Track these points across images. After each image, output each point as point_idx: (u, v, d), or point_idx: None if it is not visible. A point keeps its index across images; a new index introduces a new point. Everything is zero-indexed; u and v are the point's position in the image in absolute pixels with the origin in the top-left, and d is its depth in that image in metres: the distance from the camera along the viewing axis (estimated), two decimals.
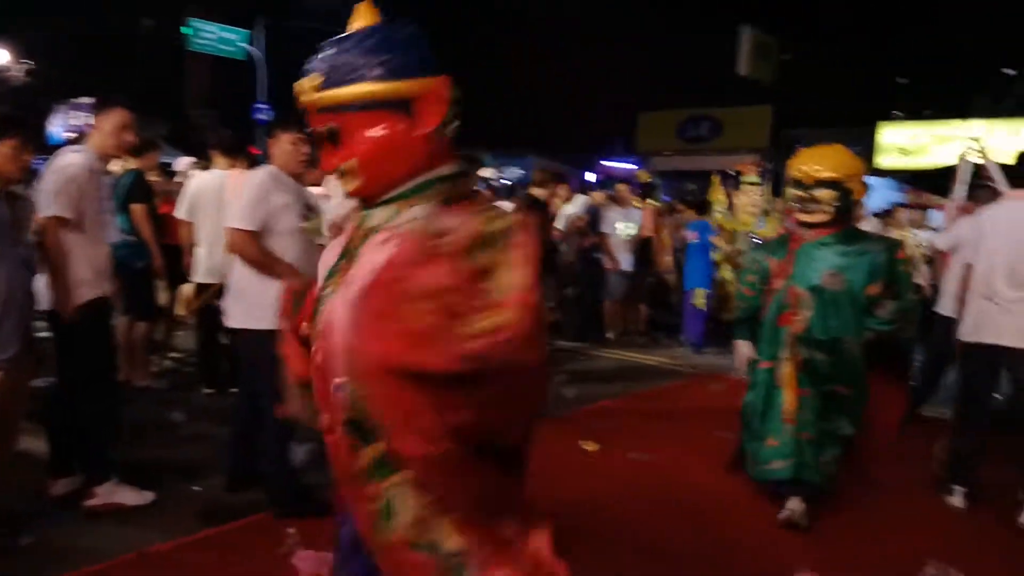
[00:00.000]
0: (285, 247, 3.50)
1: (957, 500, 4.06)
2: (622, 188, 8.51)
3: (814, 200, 3.58)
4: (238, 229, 3.46)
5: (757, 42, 17.69)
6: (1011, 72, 17.09)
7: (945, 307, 5.24)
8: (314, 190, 4.67)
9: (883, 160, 15.46)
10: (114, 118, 3.61)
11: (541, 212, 7.34)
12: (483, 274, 1.38)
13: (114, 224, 3.70)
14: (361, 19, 1.58)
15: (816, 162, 3.58)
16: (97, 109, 3.66)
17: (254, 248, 3.45)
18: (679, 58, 22.07)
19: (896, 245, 3.73)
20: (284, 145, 3.59)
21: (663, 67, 23.18)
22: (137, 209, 5.20)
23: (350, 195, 1.60)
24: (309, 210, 3.65)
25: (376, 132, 1.51)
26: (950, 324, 5.05)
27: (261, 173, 3.62)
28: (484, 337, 1.32)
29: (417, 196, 1.54)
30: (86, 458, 3.67)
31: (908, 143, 16.66)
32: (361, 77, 1.49)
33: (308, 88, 1.54)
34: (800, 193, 3.62)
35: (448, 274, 1.36)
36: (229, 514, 3.58)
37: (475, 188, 1.82)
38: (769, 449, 3.68)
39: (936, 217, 7.64)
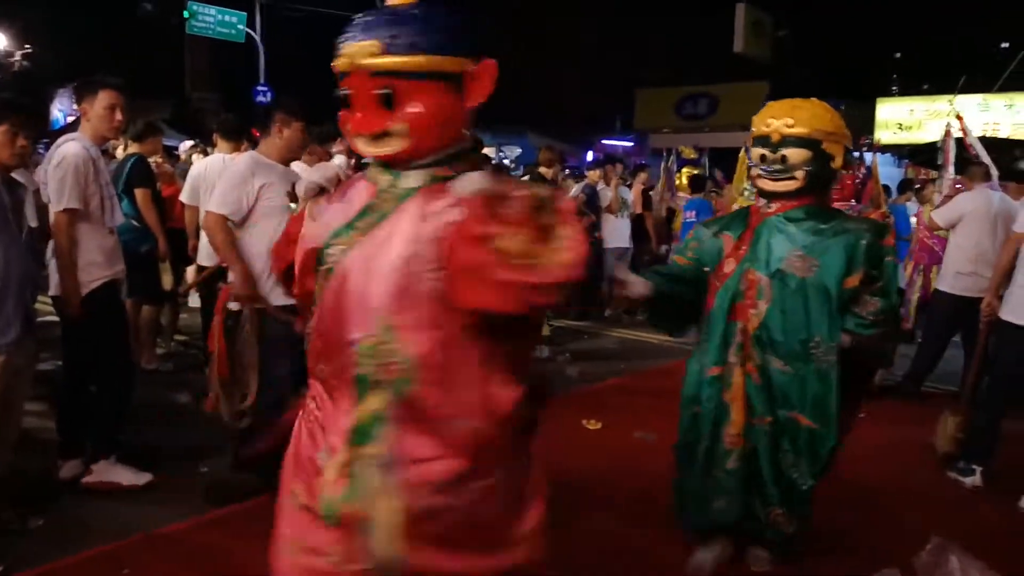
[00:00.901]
0: (273, 227, 3.53)
1: (976, 479, 4.00)
2: (611, 167, 8.52)
3: (782, 162, 2.75)
4: (210, 211, 3.56)
5: (753, 19, 17.57)
6: (1006, 45, 16.99)
7: (944, 283, 5.22)
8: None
9: (881, 136, 15.42)
10: (102, 100, 3.61)
11: None
12: (547, 230, 1.51)
13: (118, 207, 3.71)
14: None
15: (787, 114, 2.75)
16: (82, 94, 3.66)
17: (221, 234, 3.53)
18: (676, 35, 21.95)
19: (883, 229, 2.93)
20: (295, 133, 3.65)
21: (660, 44, 23.06)
22: (140, 193, 5.20)
23: (384, 158, 1.68)
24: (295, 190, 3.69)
25: (430, 100, 1.61)
26: (952, 300, 5.02)
27: (242, 159, 3.68)
28: (561, 271, 1.48)
29: (451, 164, 1.66)
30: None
31: (905, 118, 16.59)
32: (424, 49, 1.59)
33: (363, 53, 1.62)
34: (765, 152, 2.79)
35: (524, 230, 1.49)
36: (237, 495, 3.60)
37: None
38: (714, 484, 2.86)
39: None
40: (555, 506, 3.55)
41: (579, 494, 3.79)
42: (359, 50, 1.62)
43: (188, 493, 3.67)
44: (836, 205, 3.87)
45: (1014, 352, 3.92)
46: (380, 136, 1.64)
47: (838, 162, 2.75)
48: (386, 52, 1.60)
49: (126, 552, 3.11)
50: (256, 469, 3.72)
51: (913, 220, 7.39)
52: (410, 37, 1.60)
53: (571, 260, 1.48)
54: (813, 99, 2.83)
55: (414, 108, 1.60)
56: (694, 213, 7.96)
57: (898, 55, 23.36)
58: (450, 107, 1.64)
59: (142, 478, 3.69)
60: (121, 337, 3.76)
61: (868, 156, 6.15)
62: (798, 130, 2.71)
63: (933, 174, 7.78)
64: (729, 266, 2.88)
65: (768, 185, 2.81)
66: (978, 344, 4.49)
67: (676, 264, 3.10)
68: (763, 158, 2.80)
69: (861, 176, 5.22)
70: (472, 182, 1.59)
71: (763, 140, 2.81)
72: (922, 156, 10.38)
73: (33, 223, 3.36)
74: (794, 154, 2.74)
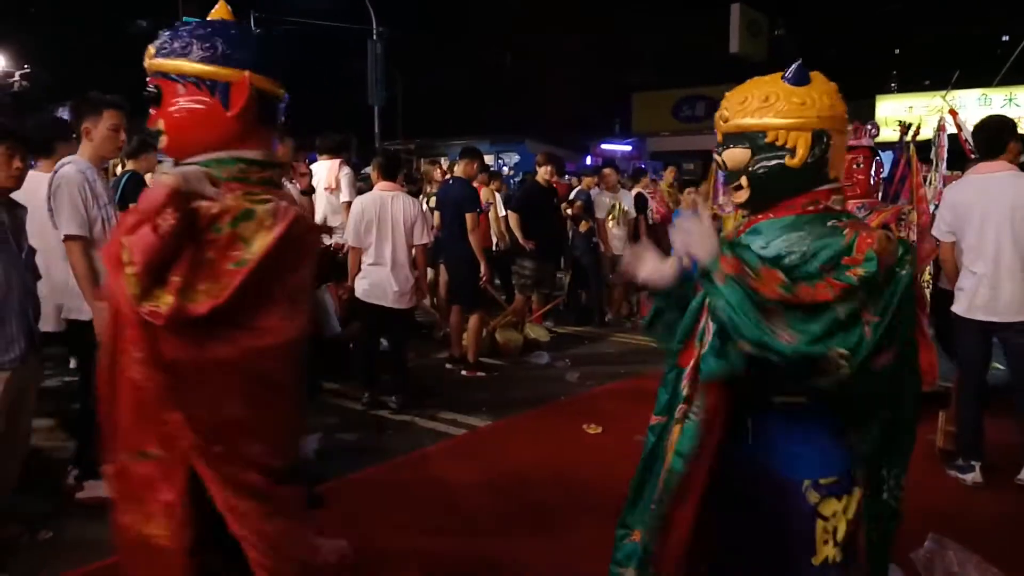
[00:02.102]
0: None
1: (976, 475, 4.00)
2: (608, 172, 8.54)
3: (725, 168, 2.00)
4: None
5: (748, 19, 17.62)
6: (1006, 38, 17.02)
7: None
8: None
9: (884, 133, 15.41)
10: (107, 120, 3.61)
11: (547, 197, 7.44)
12: (237, 240, 1.76)
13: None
14: (217, 14, 1.98)
15: (725, 105, 1.98)
16: (83, 113, 3.64)
17: None
18: (671, 38, 22.03)
19: (852, 242, 1.89)
20: (287, 149, 3.72)
21: (655, 47, 23.14)
22: None
23: (164, 151, 1.96)
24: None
25: (185, 102, 1.86)
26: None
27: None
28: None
29: (217, 166, 1.87)
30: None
31: (905, 115, 16.63)
32: (185, 55, 1.86)
33: (146, 55, 1.92)
34: (718, 158, 2.03)
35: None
36: None
37: (280, 180, 2.13)
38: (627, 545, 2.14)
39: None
40: (555, 511, 3.64)
41: (579, 499, 3.82)
42: (146, 53, 1.92)
43: None
44: (850, 205, 3.74)
45: (965, 343, 4.11)
46: (158, 132, 1.92)
47: (799, 154, 1.83)
48: (156, 55, 1.89)
49: None
50: None
51: None
52: (181, 43, 1.86)
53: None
54: (770, 76, 1.97)
55: (171, 108, 1.86)
56: None
57: (897, 51, 23.38)
58: (207, 112, 1.86)
59: None
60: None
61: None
62: (733, 123, 1.93)
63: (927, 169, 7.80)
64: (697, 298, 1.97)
65: (731, 197, 2.07)
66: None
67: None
68: (717, 163, 2.07)
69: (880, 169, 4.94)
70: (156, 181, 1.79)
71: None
72: (922, 153, 10.40)
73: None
74: (731, 156, 1.94)
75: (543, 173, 7.33)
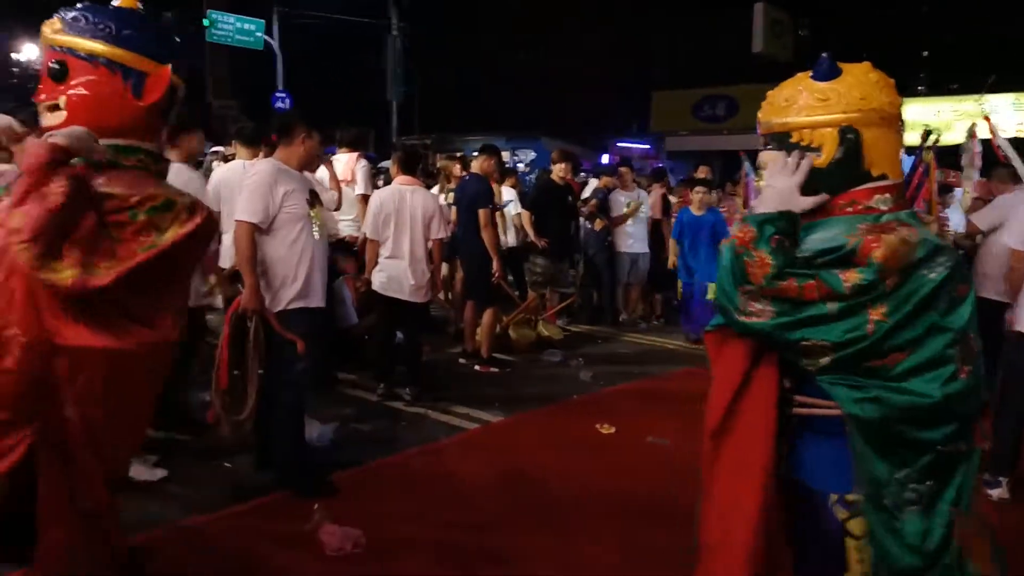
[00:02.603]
0: (294, 233, 3.67)
1: (1002, 491, 3.97)
2: (625, 171, 8.53)
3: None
4: (240, 220, 3.64)
5: (772, 18, 17.47)
6: None
7: (988, 290, 4.77)
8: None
9: (907, 137, 15.22)
10: None
11: (562, 195, 7.46)
12: (151, 227, 1.83)
13: None
14: (123, 1, 2.01)
15: (767, 101, 1.92)
16: None
17: (246, 243, 3.60)
18: (694, 36, 21.91)
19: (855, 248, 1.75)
20: (315, 144, 3.81)
21: (677, 46, 23.02)
22: None
23: (49, 129, 1.92)
24: (314, 198, 3.82)
25: (95, 84, 1.87)
26: (995, 307, 4.61)
27: (263, 165, 3.80)
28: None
29: (118, 154, 1.92)
30: None
31: (932, 119, 16.47)
32: (105, 37, 1.87)
33: (48, 28, 1.92)
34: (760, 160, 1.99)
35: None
36: (258, 490, 3.73)
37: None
38: None
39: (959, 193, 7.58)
40: (565, 508, 3.67)
41: (590, 498, 3.85)
42: (47, 25, 1.92)
43: (213, 488, 3.78)
44: None
45: (1016, 359, 4.00)
46: (52, 108, 1.90)
47: (825, 153, 1.75)
48: (65, 31, 1.89)
49: (153, 544, 3.22)
50: (279, 466, 3.84)
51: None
52: (99, 24, 1.88)
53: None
54: (802, 73, 1.88)
55: (77, 86, 1.87)
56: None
57: (926, 53, 23.08)
58: (115, 97, 1.88)
59: (156, 474, 3.78)
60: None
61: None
62: (764, 124, 1.90)
63: (959, 176, 7.71)
64: None
65: None
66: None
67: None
68: (747, 155, 2.28)
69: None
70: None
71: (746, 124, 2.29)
72: (950, 158, 10.29)
73: None
74: (766, 158, 1.90)
75: (558, 171, 7.35)
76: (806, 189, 1.78)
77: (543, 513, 3.68)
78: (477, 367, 6.29)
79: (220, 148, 7.50)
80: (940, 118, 16.26)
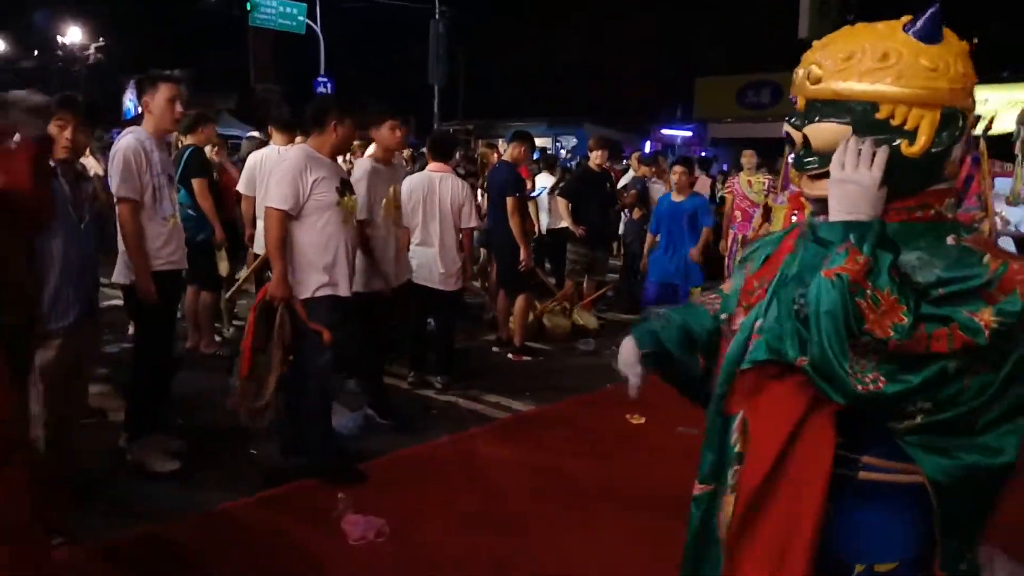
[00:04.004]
0: (323, 221, 3.65)
1: None
2: (663, 160, 8.39)
3: (805, 147, 1.44)
4: (270, 207, 3.65)
5: (819, 2, 16.99)
6: None
7: None
8: None
9: None
10: (163, 93, 3.76)
11: (599, 182, 7.35)
12: None
13: (167, 198, 3.84)
14: None
15: (813, 58, 1.42)
16: (143, 88, 3.80)
17: (276, 230, 3.61)
18: (738, 21, 21.48)
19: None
20: (348, 131, 3.77)
21: (722, 31, 22.60)
22: (197, 183, 5.39)
23: None
24: (344, 186, 3.79)
25: None
26: None
27: (294, 152, 3.78)
28: None
29: None
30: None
31: (980, 108, 15.89)
32: None
33: None
34: (790, 130, 1.48)
35: None
36: (284, 477, 3.75)
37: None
38: None
39: (1001, 185, 7.30)
40: (593, 500, 3.62)
41: (618, 489, 3.79)
42: None
43: (239, 474, 3.81)
44: None
45: None
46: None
47: (921, 140, 1.32)
48: None
49: (180, 529, 3.26)
50: (304, 453, 3.86)
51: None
52: None
53: None
54: (884, 24, 1.40)
55: None
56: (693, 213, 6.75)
57: (976, 40, 22.34)
58: None
59: (170, 465, 3.79)
60: (164, 324, 3.91)
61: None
62: (827, 87, 1.37)
63: (1009, 167, 7.42)
64: (740, 319, 1.53)
65: (806, 187, 1.46)
66: None
67: (697, 309, 1.77)
68: (789, 139, 1.49)
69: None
70: None
71: (793, 111, 1.50)
72: (998, 148, 9.92)
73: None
74: (820, 132, 1.39)
75: (595, 158, 7.24)
76: (888, 185, 1.32)
77: (570, 505, 3.63)
78: (510, 355, 6.25)
79: (256, 133, 7.55)
80: (989, 106, 15.68)
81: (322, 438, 3.79)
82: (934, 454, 1.29)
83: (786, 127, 1.47)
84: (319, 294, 3.66)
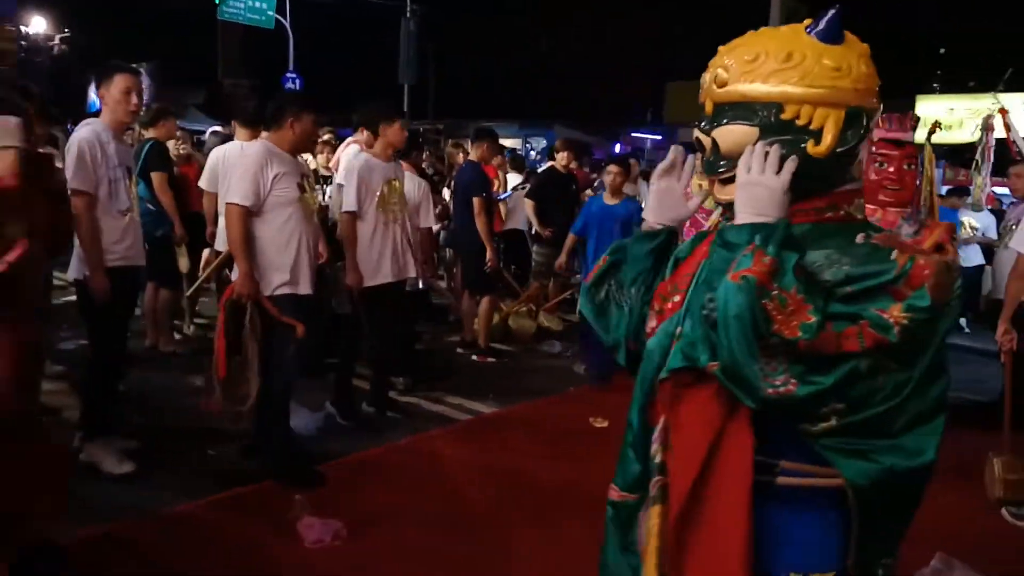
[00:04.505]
0: (283, 217, 3.61)
1: None
2: (632, 163, 8.42)
3: (715, 152, 1.43)
4: (231, 203, 3.59)
5: (788, 10, 17.20)
6: None
7: None
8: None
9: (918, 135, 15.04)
10: (118, 84, 3.68)
11: (565, 184, 7.36)
12: None
13: (123, 192, 3.75)
14: None
15: (721, 61, 1.42)
16: (100, 80, 3.73)
17: (239, 227, 3.55)
18: (710, 27, 21.69)
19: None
20: (307, 126, 3.70)
21: (693, 36, 22.80)
22: (156, 177, 5.29)
23: None
24: (306, 181, 3.76)
25: None
26: None
27: (255, 147, 3.74)
28: None
29: None
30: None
31: (945, 117, 16.25)
32: None
33: None
34: (699, 134, 1.46)
35: None
36: (242, 479, 3.69)
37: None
38: None
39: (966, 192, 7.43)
40: (552, 503, 3.61)
41: (578, 492, 3.77)
42: None
43: (195, 476, 3.74)
44: (890, 212, 3.28)
45: None
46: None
47: (827, 140, 1.32)
48: None
49: (132, 532, 3.19)
50: (263, 454, 3.80)
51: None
52: None
53: None
54: (788, 27, 1.41)
55: None
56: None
57: (943, 51, 22.80)
58: None
59: (123, 467, 3.69)
60: (117, 322, 3.82)
61: None
62: (734, 89, 1.37)
63: (971, 174, 7.52)
64: (652, 323, 1.51)
65: (717, 192, 1.46)
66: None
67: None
68: (700, 145, 1.48)
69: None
70: None
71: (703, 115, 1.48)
72: (961, 156, 10.13)
73: None
74: (727, 135, 1.39)
75: (561, 160, 7.25)
76: (795, 186, 1.31)
77: (531, 508, 3.62)
78: (475, 357, 6.23)
79: (220, 128, 7.45)
80: (953, 116, 16.03)
81: (278, 439, 3.74)
82: (852, 457, 1.26)
83: (696, 133, 1.46)
84: (279, 292, 3.61)
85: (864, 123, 1.34)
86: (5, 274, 2.05)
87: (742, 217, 1.29)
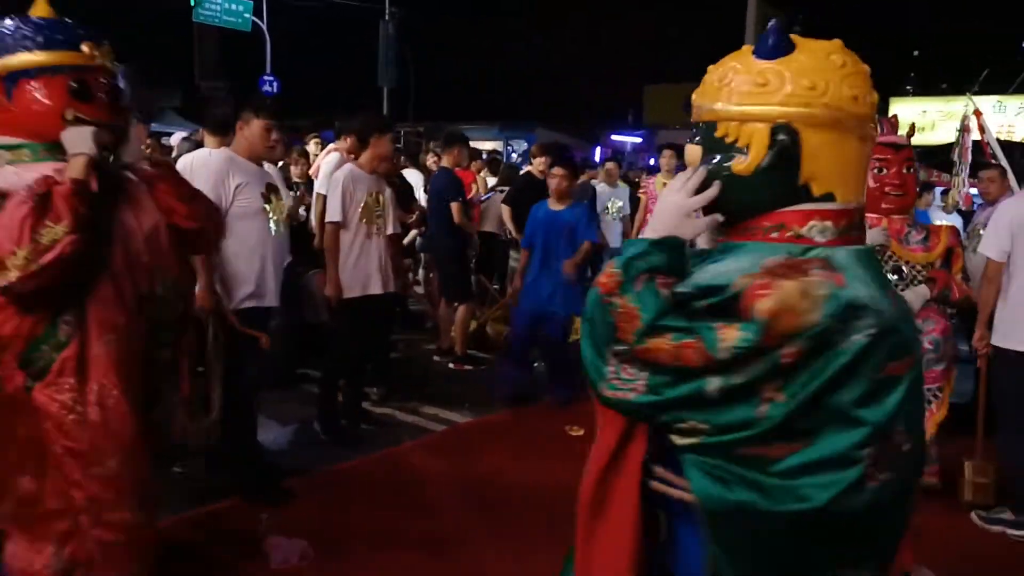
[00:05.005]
0: (247, 229, 3.52)
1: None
2: (611, 166, 8.40)
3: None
4: None
5: (764, 13, 17.32)
6: None
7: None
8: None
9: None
10: None
11: (542, 189, 7.31)
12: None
13: None
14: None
15: (704, 80, 1.44)
16: None
17: None
18: (686, 30, 21.80)
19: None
20: (254, 130, 3.58)
21: (670, 39, 22.91)
22: None
23: None
24: (271, 191, 3.67)
25: None
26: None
27: (216, 156, 3.63)
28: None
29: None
30: None
31: (918, 119, 16.41)
32: None
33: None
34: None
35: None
36: (208, 496, 3.60)
37: None
38: None
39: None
40: (529, 516, 3.56)
41: (554, 504, 3.70)
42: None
43: (162, 493, 3.64)
44: (895, 220, 3.19)
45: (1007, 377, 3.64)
46: None
47: (750, 157, 1.31)
48: None
49: None
50: (229, 470, 3.71)
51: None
52: None
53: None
54: (747, 47, 1.41)
55: None
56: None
57: (916, 53, 23.04)
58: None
59: None
60: None
61: None
62: (696, 107, 1.44)
63: (945, 177, 7.53)
64: None
65: None
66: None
67: None
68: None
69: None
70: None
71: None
72: (935, 158, 10.18)
73: None
74: (690, 152, 1.58)
75: (538, 164, 7.20)
76: (728, 204, 1.34)
77: (506, 521, 3.56)
78: (451, 365, 6.17)
79: (186, 134, 7.34)
80: (926, 118, 16.21)
81: (244, 454, 3.65)
82: (709, 478, 1.23)
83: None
84: (244, 306, 3.53)
85: (791, 138, 1.28)
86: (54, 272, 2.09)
87: (646, 230, 1.35)
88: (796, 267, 1.22)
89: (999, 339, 3.67)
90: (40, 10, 2.31)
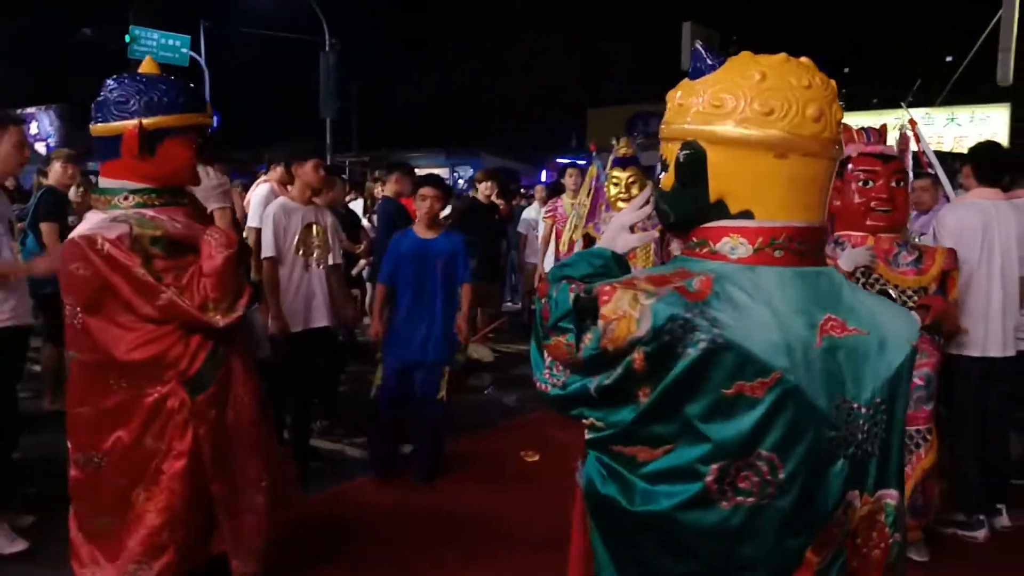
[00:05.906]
0: None
1: (986, 531, 3.61)
2: (539, 188, 8.51)
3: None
4: None
5: (700, 36, 17.82)
6: (949, 59, 17.49)
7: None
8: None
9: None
10: (11, 138, 3.45)
11: (487, 215, 7.29)
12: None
13: (9, 248, 3.50)
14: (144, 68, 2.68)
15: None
16: None
17: None
18: (628, 55, 22.23)
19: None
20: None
21: (613, 64, 23.33)
22: (46, 228, 4.91)
23: None
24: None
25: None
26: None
27: None
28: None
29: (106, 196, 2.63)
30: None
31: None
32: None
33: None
34: None
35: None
36: None
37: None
38: None
39: None
40: (485, 545, 3.48)
41: (511, 532, 3.66)
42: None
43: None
44: (883, 239, 3.01)
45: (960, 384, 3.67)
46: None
47: (668, 173, 1.36)
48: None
49: None
50: None
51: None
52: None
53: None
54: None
55: None
56: None
57: (847, 70, 23.86)
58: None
59: (16, 546, 3.39)
60: (4, 386, 3.55)
61: None
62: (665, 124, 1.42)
63: None
64: None
65: None
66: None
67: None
68: None
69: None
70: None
71: None
72: None
73: None
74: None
75: (483, 189, 7.20)
76: (664, 218, 1.41)
77: (459, 550, 3.49)
78: None
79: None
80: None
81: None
82: (592, 470, 1.34)
83: None
84: None
85: (694, 155, 1.29)
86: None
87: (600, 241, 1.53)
88: (659, 278, 1.24)
89: (955, 347, 3.64)
90: (148, 67, 2.69)
